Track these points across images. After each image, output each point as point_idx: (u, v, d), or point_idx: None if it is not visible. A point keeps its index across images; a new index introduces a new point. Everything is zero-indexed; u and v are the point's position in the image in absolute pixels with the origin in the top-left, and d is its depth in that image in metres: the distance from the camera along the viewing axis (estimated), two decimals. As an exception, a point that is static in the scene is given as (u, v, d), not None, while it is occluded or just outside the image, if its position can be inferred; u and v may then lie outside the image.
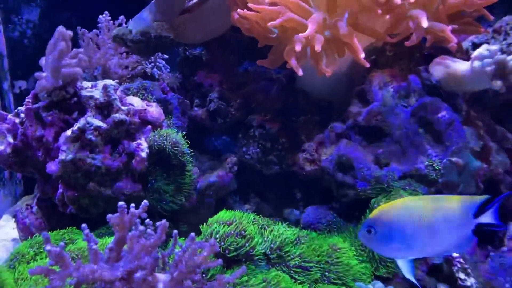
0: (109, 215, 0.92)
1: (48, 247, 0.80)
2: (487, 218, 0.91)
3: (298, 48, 1.13)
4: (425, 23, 1.10)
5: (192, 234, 0.94)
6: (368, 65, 1.14)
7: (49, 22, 1.89)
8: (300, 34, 1.10)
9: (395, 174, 1.19)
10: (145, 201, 0.95)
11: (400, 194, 1.17)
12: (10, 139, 1.27)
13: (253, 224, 1.18)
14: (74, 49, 1.19)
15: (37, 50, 1.90)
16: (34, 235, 1.22)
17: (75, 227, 1.25)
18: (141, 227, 0.92)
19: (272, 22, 1.15)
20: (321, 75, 1.20)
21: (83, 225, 0.90)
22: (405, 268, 0.94)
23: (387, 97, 1.21)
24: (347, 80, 1.39)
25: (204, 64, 1.58)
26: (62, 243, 0.83)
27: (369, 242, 0.95)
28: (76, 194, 1.22)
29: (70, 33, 1.17)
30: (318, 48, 1.11)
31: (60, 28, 1.14)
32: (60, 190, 1.24)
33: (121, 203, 0.90)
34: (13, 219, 1.45)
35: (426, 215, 0.90)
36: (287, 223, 1.22)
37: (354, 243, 1.19)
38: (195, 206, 1.40)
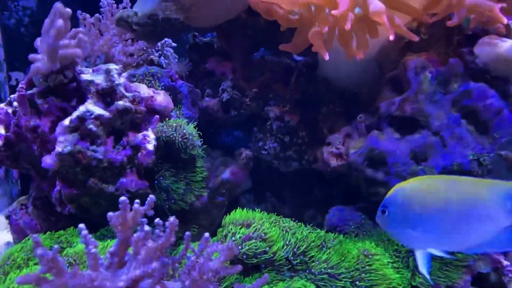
0: (110, 214, 0.79)
1: (39, 251, 0.67)
2: None
3: (325, 29, 1.00)
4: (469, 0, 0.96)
5: (206, 234, 0.81)
6: (416, 38, 1.00)
7: (48, 9, 1.77)
8: (333, 11, 0.96)
9: (434, 170, 1.05)
10: (152, 196, 0.82)
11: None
12: (2, 131, 1.14)
13: (275, 226, 1.05)
14: (73, 29, 1.06)
15: (35, 39, 1.79)
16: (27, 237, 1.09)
17: (73, 229, 1.12)
18: (147, 228, 0.79)
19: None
20: (351, 59, 1.06)
21: (81, 225, 0.77)
22: (420, 260, 0.82)
23: (425, 83, 1.08)
24: (375, 66, 1.25)
25: (215, 51, 1.45)
26: (56, 246, 0.70)
27: (383, 225, 0.85)
28: (75, 192, 1.09)
29: (69, 10, 1.04)
30: (348, 26, 0.98)
31: (58, 5, 1.01)
32: (57, 188, 1.11)
33: (122, 198, 0.78)
34: (6, 220, 1.32)
35: (453, 199, 0.77)
36: (311, 225, 1.08)
37: (388, 248, 1.06)
38: (206, 206, 1.27)
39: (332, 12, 0.96)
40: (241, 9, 1.31)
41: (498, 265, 0.98)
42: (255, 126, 1.38)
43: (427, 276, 0.83)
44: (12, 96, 1.16)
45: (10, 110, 1.16)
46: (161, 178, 1.16)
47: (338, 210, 1.18)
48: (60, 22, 0.99)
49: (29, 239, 1.07)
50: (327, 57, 1.05)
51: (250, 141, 1.40)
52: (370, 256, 1.02)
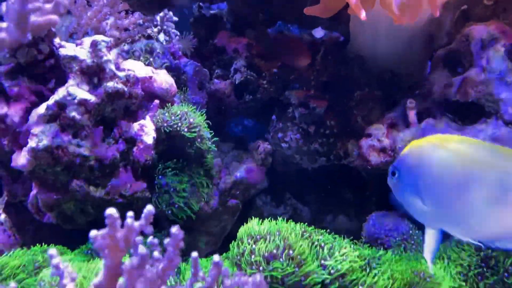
0: (93, 233, 0.58)
1: None
2: None
3: None
4: None
5: (217, 258, 0.59)
6: (437, 13, 0.78)
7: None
8: None
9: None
10: (150, 207, 0.59)
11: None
12: (-36, 121, 0.91)
13: (304, 240, 0.84)
14: (48, -9, 0.83)
15: None
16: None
17: (55, 244, 0.92)
18: (144, 250, 0.58)
19: None
20: (399, 23, 0.83)
21: (51, 251, 0.57)
22: (428, 241, 0.68)
23: (496, 59, 0.86)
24: (424, 40, 1.03)
25: (225, 24, 1.22)
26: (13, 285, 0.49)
27: (395, 191, 0.70)
28: (55, 197, 0.88)
29: (41, -35, 0.81)
30: None
31: (27, -42, 0.78)
32: (33, 191, 0.90)
33: (110, 211, 0.56)
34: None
35: (483, 172, 0.61)
36: (350, 238, 0.87)
37: (449, 268, 0.84)
38: (217, 210, 1.06)
39: None
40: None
41: None
42: (274, 114, 1.16)
43: (430, 264, 0.70)
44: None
45: (-26, 95, 0.93)
46: (162, 178, 0.94)
47: (379, 217, 0.97)
48: (29, -21, 0.76)
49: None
50: (363, 16, 0.82)
51: (268, 132, 1.18)
52: (428, 280, 0.81)
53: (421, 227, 0.98)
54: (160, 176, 0.94)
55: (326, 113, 1.11)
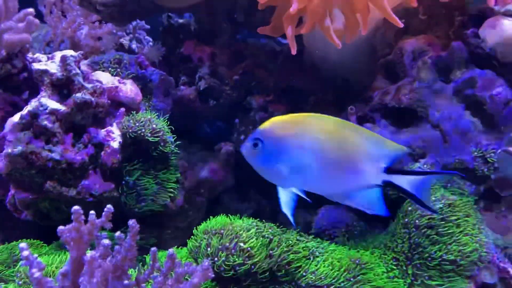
0: (60, 228, 0.68)
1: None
2: (402, 181, 0.75)
3: (294, 8, 0.87)
4: None
5: (171, 250, 0.70)
6: (400, 24, 0.88)
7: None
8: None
9: (434, 168, 0.94)
10: (109, 206, 0.70)
11: (441, 193, 0.92)
12: None
13: (256, 233, 0.94)
14: (22, 10, 0.92)
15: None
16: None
17: (33, 239, 1.01)
18: (105, 242, 0.68)
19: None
20: (336, 46, 0.93)
21: (22, 244, 0.66)
22: (284, 199, 0.79)
23: (424, 69, 0.96)
24: (368, 50, 1.13)
25: (192, 34, 1.31)
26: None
27: (251, 158, 0.79)
28: (30, 197, 0.97)
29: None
30: (293, 9, 0.85)
31: (-1, -20, 0.87)
32: (11, 192, 0.99)
33: (75, 207, 0.66)
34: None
35: (333, 142, 0.75)
36: (298, 229, 0.97)
37: (384, 256, 0.95)
38: (183, 207, 1.15)
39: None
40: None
41: (505, 275, 0.88)
42: (237, 118, 1.26)
43: (290, 217, 0.80)
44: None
45: (-45, 104, 1.02)
46: (129, 178, 1.03)
47: (328, 210, 1.07)
48: None
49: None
50: (293, 51, 0.92)
51: (232, 134, 1.27)
52: (363, 265, 0.92)
53: (364, 219, 1.10)
54: (127, 177, 1.04)
55: (283, 117, 1.21)
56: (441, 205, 0.90)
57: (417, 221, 0.91)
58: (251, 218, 0.96)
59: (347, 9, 0.91)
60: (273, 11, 1.06)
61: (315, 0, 0.85)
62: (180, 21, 1.37)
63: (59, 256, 0.93)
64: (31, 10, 0.91)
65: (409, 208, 0.93)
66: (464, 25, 0.97)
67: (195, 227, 1.18)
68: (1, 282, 0.93)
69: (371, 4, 0.87)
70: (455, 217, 0.91)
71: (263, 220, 0.97)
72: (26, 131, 0.91)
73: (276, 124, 0.76)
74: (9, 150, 0.90)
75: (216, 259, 0.88)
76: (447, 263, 0.89)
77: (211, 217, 0.98)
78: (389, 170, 0.75)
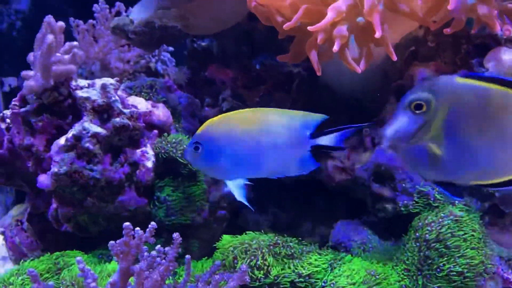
0: (111, 243, 0.77)
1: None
2: (325, 140, 0.84)
3: (319, 38, 0.96)
4: (452, 5, 0.91)
5: (218, 262, 0.83)
6: (395, 58, 0.96)
7: (40, 12, 1.71)
8: (314, 26, 0.92)
9: (442, 186, 1.02)
10: (153, 223, 0.79)
11: (449, 209, 1.00)
12: (-5, 148, 1.10)
13: (278, 248, 1.02)
14: (67, 43, 1.02)
15: (28, 44, 1.73)
16: (24, 260, 1.06)
17: (71, 249, 1.09)
18: (152, 253, 0.77)
19: (287, 24, 0.98)
20: (352, 71, 1.02)
21: (78, 258, 0.75)
22: (236, 190, 0.86)
23: (433, 96, 1.04)
24: (381, 75, 1.21)
25: (215, 57, 1.40)
26: (51, 283, 0.67)
27: (195, 162, 0.86)
28: (72, 211, 1.06)
29: (61, 24, 1.00)
30: (336, 49, 0.94)
31: (48, 18, 0.97)
32: (54, 206, 1.08)
33: (126, 224, 0.76)
34: (1, 235, 1.29)
35: (261, 129, 0.82)
36: (316, 244, 1.05)
37: (396, 267, 1.03)
38: (207, 220, 1.24)
39: (309, 28, 0.92)
40: (240, 17, 1.27)
41: (509, 285, 0.96)
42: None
43: (247, 203, 0.86)
44: (5, 111, 1.12)
45: (3, 126, 1.12)
46: (161, 194, 1.12)
47: (343, 225, 1.15)
48: (50, 38, 0.95)
49: (25, 263, 1.03)
50: (319, 73, 1.02)
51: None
52: (377, 276, 1.00)
53: (378, 232, 1.17)
54: (158, 193, 1.13)
55: (300, 136, 1.30)
56: (449, 221, 0.98)
57: (427, 235, 0.99)
58: (272, 233, 1.05)
59: (363, 41, 1.00)
60: (290, 37, 1.15)
61: (337, 32, 0.93)
62: (203, 44, 1.46)
63: (98, 266, 1.02)
64: (76, 43, 1.01)
65: (420, 224, 1.01)
66: (469, 54, 1.06)
67: (219, 239, 1.28)
68: (47, 289, 1.02)
69: (378, 25, 0.94)
70: (462, 232, 0.99)
71: (284, 235, 1.06)
72: (70, 152, 1.00)
73: (211, 125, 0.83)
74: (56, 170, 0.99)
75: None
76: (455, 274, 0.97)
77: (232, 230, 1.06)
78: (313, 135, 0.84)
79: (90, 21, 1.42)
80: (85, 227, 1.11)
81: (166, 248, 0.79)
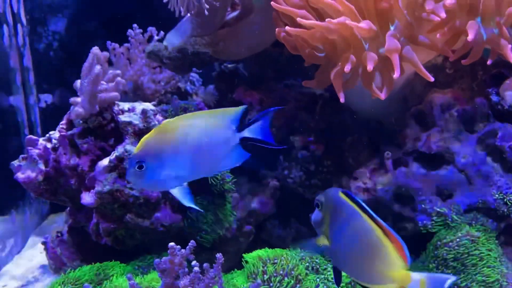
0: (157, 260, 0.84)
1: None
2: (250, 132, 0.87)
3: (347, 68, 1.03)
4: (471, 36, 0.97)
5: (259, 282, 0.88)
6: (431, 78, 1.02)
7: (75, 33, 1.82)
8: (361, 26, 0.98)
9: (460, 207, 1.08)
10: (192, 241, 0.87)
11: (466, 230, 1.06)
12: (42, 166, 1.19)
13: (304, 263, 1.09)
14: (111, 71, 1.11)
15: (63, 62, 1.84)
16: (67, 270, 1.14)
17: (110, 260, 1.18)
18: (195, 270, 0.84)
19: (330, 20, 1.02)
20: (381, 98, 1.09)
21: (128, 275, 0.83)
22: (182, 196, 0.87)
23: (451, 121, 1.10)
24: (400, 99, 1.28)
25: (241, 79, 1.48)
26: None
27: (138, 181, 0.86)
28: (112, 226, 1.14)
29: (105, 54, 1.09)
30: (370, 67, 1.01)
31: (95, 50, 1.06)
32: (94, 220, 1.17)
33: (171, 244, 0.83)
34: (42, 245, 1.37)
35: (193, 134, 0.85)
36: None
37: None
38: (235, 235, 1.31)
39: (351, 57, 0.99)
40: (267, 44, 1.35)
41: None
42: (280, 154, 1.42)
43: (195, 206, 0.87)
44: (51, 132, 1.21)
45: (49, 146, 1.21)
46: (193, 210, 1.20)
47: (364, 241, 1.21)
48: (98, 68, 1.03)
49: (70, 272, 1.12)
50: (342, 100, 1.08)
51: (276, 169, 1.43)
52: (399, 292, 1.06)
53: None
54: (191, 209, 1.20)
55: (323, 155, 1.36)
56: (466, 241, 1.04)
57: (445, 253, 1.05)
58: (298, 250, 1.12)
59: (385, 71, 1.07)
60: (313, 64, 1.22)
61: (363, 62, 1.00)
62: (229, 66, 1.54)
63: (137, 277, 1.10)
64: (119, 72, 1.10)
65: (438, 243, 1.07)
66: (486, 82, 1.12)
67: (244, 252, 1.35)
68: (89, 299, 1.10)
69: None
70: (478, 251, 1.05)
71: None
72: (113, 173, 1.09)
73: (149, 141, 0.84)
74: (99, 188, 1.08)
75: (271, 284, 1.04)
76: (472, 291, 1.03)
77: (257, 243, 1.13)
78: (239, 128, 0.87)
79: (126, 44, 1.51)
80: (123, 241, 1.19)
81: (205, 265, 0.86)
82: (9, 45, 1.63)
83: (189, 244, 0.87)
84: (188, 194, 0.88)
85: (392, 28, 1.04)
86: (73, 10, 1.83)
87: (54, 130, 1.23)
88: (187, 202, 0.87)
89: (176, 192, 0.87)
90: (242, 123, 0.87)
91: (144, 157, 0.83)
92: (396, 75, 0.95)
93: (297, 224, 1.49)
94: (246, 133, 0.87)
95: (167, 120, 0.89)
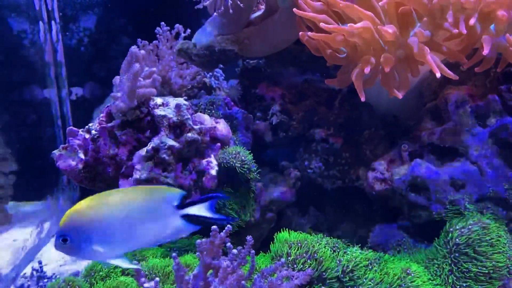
0: (199, 241, 0.92)
1: (146, 285, 0.82)
2: (194, 210, 0.92)
3: (367, 70, 1.10)
4: (486, 51, 1.03)
5: (283, 260, 0.96)
6: (456, 77, 1.09)
7: (105, 29, 1.92)
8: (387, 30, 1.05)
9: (472, 197, 1.16)
10: (229, 226, 0.95)
11: (478, 217, 1.14)
12: (82, 155, 1.29)
13: (325, 247, 1.17)
14: (147, 69, 1.19)
15: (93, 57, 1.94)
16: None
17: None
18: (233, 251, 0.92)
19: (352, 25, 1.09)
20: (392, 96, 1.16)
21: (174, 255, 0.91)
22: (121, 263, 0.88)
23: (465, 116, 1.18)
24: (416, 95, 1.35)
25: (264, 75, 1.56)
26: (157, 279, 0.84)
27: (68, 252, 0.87)
28: (147, 211, 1.23)
29: (143, 52, 1.17)
30: (387, 69, 1.08)
31: (133, 49, 1.15)
32: (131, 206, 1.26)
33: (214, 227, 0.90)
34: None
35: (123, 210, 0.86)
36: (359, 246, 1.20)
37: (429, 267, 1.17)
38: (258, 221, 1.40)
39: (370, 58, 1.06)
40: (290, 42, 1.42)
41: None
42: (300, 146, 1.50)
43: (137, 267, 0.88)
44: (90, 124, 1.31)
45: (87, 136, 1.30)
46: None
47: (381, 228, 1.30)
48: (136, 66, 1.12)
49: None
50: (363, 99, 1.15)
51: (296, 160, 1.51)
52: (412, 274, 1.14)
53: (412, 236, 1.31)
54: (219, 197, 1.30)
55: (342, 147, 1.44)
56: (477, 228, 1.12)
57: (457, 240, 1.12)
58: (321, 235, 1.21)
59: (403, 71, 1.14)
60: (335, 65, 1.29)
61: (383, 63, 1.08)
62: (251, 62, 1.62)
63: (171, 259, 1.19)
64: (154, 69, 1.19)
65: (451, 229, 1.14)
66: (498, 80, 1.18)
67: (266, 237, 1.43)
68: (127, 275, 1.20)
69: (434, 65, 1.07)
70: (489, 238, 1.12)
71: (328, 236, 1.21)
72: (149, 162, 1.18)
73: (75, 215, 0.83)
74: (137, 176, 1.17)
75: (295, 265, 1.12)
76: (482, 275, 1.10)
77: (281, 228, 1.22)
78: (181, 206, 0.92)
79: (155, 42, 1.59)
80: (156, 225, 1.29)
81: (238, 247, 0.95)
82: (45, 40, 1.73)
83: (226, 228, 0.96)
84: (126, 258, 0.89)
85: (412, 32, 1.11)
86: (103, 7, 1.92)
87: (84, 121, 1.33)
88: (128, 265, 0.89)
89: (113, 261, 0.87)
90: (184, 201, 0.93)
91: (67, 231, 0.83)
92: (437, 74, 1.01)
93: (316, 212, 1.57)
94: (190, 210, 0.92)
95: (97, 194, 0.89)
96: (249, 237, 0.93)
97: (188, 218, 0.93)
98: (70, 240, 0.83)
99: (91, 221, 0.84)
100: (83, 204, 0.85)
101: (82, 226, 0.83)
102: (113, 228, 0.85)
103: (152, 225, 0.89)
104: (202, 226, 0.95)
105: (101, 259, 0.89)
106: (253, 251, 0.99)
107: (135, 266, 0.88)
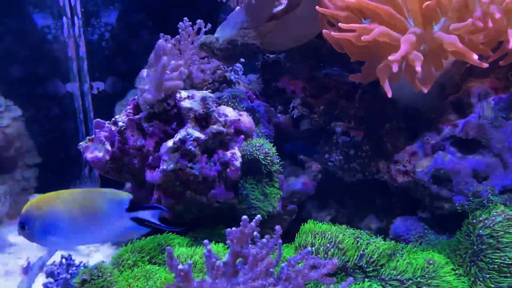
0: (229, 230, 0.93)
1: (180, 267, 0.84)
2: (142, 215, 1.06)
3: (395, 69, 1.11)
4: (511, 45, 1.04)
5: (309, 248, 0.98)
6: (486, 65, 1.09)
7: (126, 24, 1.95)
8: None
9: (495, 189, 1.17)
10: (258, 216, 0.96)
11: (501, 209, 1.14)
12: (108, 147, 1.32)
13: (350, 237, 1.19)
14: (173, 62, 1.22)
15: (114, 52, 1.97)
16: (133, 240, 1.27)
17: (167, 233, 1.30)
18: (262, 240, 0.94)
19: (365, 37, 1.12)
20: (418, 91, 1.17)
21: (205, 241, 0.93)
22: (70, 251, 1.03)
23: (488, 109, 1.18)
24: (438, 88, 1.36)
25: (284, 69, 1.58)
26: (190, 262, 0.86)
27: (28, 237, 0.99)
28: (172, 201, 1.26)
29: (170, 46, 1.20)
30: (419, 68, 1.09)
31: (161, 42, 1.17)
32: (155, 196, 1.29)
33: (244, 217, 0.92)
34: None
35: (79, 209, 0.99)
36: (382, 236, 1.21)
37: (451, 258, 1.18)
38: (280, 212, 1.42)
39: (393, 56, 1.07)
40: (312, 36, 1.44)
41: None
42: (321, 139, 1.51)
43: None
44: (116, 117, 1.34)
45: (113, 128, 1.33)
46: (244, 189, 1.31)
47: (403, 220, 1.31)
48: (165, 59, 1.15)
49: (135, 242, 1.24)
50: (389, 95, 1.16)
51: (315, 152, 1.53)
52: (435, 265, 1.15)
53: (432, 227, 1.33)
54: (242, 188, 1.32)
55: (362, 140, 1.45)
56: (501, 219, 1.13)
57: (480, 231, 1.13)
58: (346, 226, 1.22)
59: (426, 66, 1.15)
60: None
61: (414, 64, 1.08)
62: (271, 56, 1.64)
63: (197, 248, 1.22)
64: (181, 62, 1.21)
65: (474, 221, 1.15)
66: (522, 72, 1.19)
67: (288, 228, 1.45)
68: (154, 264, 1.23)
69: (467, 50, 1.07)
70: (513, 229, 1.13)
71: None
72: (176, 153, 1.21)
73: (32, 207, 0.97)
74: (164, 167, 1.20)
75: (318, 255, 1.14)
76: (505, 266, 1.11)
77: (301, 221, 1.24)
78: (130, 209, 1.05)
79: (177, 36, 1.62)
80: (180, 215, 1.32)
81: (266, 236, 0.96)
82: (68, 36, 1.76)
83: (255, 218, 0.97)
84: (73, 249, 1.08)
85: (437, 28, 1.12)
86: (123, 3, 1.95)
87: (105, 115, 1.36)
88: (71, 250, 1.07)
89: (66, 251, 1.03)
90: (132, 206, 1.05)
91: (25, 219, 0.97)
92: (475, 56, 1.04)
93: (335, 205, 1.59)
94: (139, 214, 1.05)
95: (56, 191, 1.01)
96: (277, 227, 0.94)
97: (137, 221, 1.06)
98: (28, 227, 0.97)
99: (45, 214, 0.97)
100: (41, 198, 0.98)
101: (38, 217, 0.97)
102: (65, 222, 0.98)
103: (102, 224, 1.02)
104: (150, 229, 1.09)
105: (57, 248, 1.06)
106: (280, 241, 1.01)
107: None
